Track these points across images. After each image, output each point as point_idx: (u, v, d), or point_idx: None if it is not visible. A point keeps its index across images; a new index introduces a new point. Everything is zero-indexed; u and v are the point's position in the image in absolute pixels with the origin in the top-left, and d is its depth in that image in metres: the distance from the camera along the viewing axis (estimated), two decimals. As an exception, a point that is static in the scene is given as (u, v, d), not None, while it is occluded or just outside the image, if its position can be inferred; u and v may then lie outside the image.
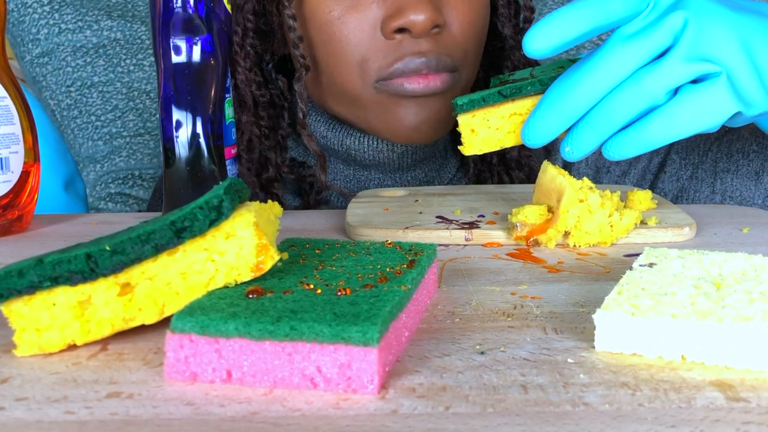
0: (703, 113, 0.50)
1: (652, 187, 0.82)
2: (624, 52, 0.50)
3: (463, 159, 0.85)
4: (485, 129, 0.57)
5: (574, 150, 0.52)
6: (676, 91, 0.51)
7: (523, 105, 0.56)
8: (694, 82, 0.50)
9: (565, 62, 0.58)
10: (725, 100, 0.50)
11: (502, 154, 0.83)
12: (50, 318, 0.38)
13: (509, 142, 0.57)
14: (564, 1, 1.14)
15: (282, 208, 0.44)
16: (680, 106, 0.50)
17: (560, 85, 0.52)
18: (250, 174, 0.79)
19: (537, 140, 0.53)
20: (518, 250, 0.56)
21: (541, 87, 0.55)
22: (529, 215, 0.56)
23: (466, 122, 0.57)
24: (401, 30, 0.70)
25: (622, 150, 0.51)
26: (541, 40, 0.50)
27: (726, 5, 0.51)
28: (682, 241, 0.57)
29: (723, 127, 0.78)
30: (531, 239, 0.56)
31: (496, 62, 0.84)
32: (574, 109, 0.51)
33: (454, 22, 0.72)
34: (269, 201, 0.43)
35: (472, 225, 0.59)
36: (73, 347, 0.39)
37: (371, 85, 0.72)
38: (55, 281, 0.37)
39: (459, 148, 0.58)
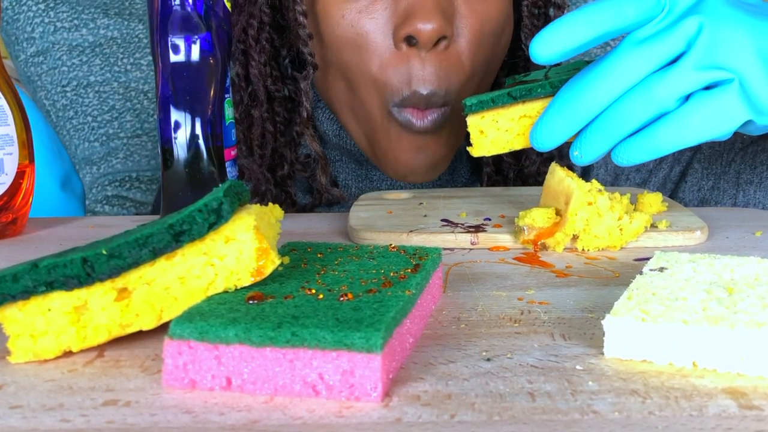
0: (713, 121, 0.49)
1: (673, 197, 0.81)
2: (636, 57, 0.49)
3: (478, 166, 0.85)
4: (494, 131, 0.57)
5: (583, 154, 0.52)
6: (687, 96, 0.50)
7: (533, 107, 0.55)
8: (707, 87, 0.50)
9: (581, 64, 0.57)
10: (737, 108, 0.49)
11: (520, 168, 0.83)
12: (45, 324, 0.37)
13: (518, 144, 0.57)
14: (578, 4, 1.12)
15: (283, 211, 0.43)
16: (691, 113, 0.49)
17: (570, 88, 0.51)
18: (262, 169, 0.78)
19: (546, 143, 0.53)
20: (525, 254, 0.55)
21: (552, 89, 0.54)
22: (536, 218, 0.55)
23: (474, 123, 0.57)
24: (408, 39, 0.68)
25: (631, 155, 0.51)
26: (548, 46, 0.49)
27: (743, 10, 0.50)
28: (694, 244, 0.57)
29: (748, 137, 0.77)
30: (539, 243, 0.55)
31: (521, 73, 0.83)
32: (584, 113, 0.51)
33: (461, 37, 0.71)
34: (270, 204, 0.43)
35: (477, 228, 0.58)
36: (68, 354, 0.38)
37: (387, 107, 0.71)
38: (51, 286, 0.37)
39: (468, 149, 0.58)
